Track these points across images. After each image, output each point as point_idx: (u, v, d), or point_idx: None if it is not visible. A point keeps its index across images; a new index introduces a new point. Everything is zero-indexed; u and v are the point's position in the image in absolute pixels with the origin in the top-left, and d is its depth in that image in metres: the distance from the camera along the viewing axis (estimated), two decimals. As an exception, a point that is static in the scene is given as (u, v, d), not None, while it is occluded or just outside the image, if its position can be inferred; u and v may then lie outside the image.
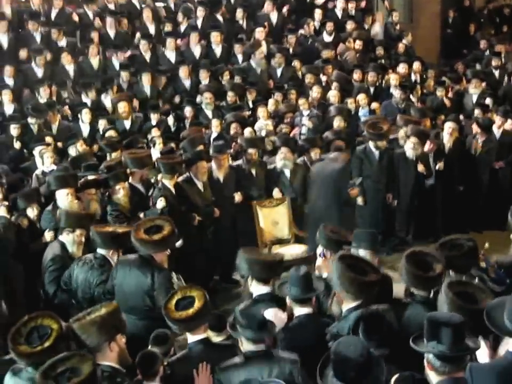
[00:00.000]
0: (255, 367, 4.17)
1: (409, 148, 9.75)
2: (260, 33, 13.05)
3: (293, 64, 12.74)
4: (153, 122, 10.59)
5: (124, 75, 11.64)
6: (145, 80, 11.59)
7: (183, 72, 11.95)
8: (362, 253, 5.37)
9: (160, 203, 7.85)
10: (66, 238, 6.51)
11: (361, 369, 3.44)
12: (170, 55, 12.44)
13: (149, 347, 4.90)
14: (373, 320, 4.20)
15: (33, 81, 11.24)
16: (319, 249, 5.68)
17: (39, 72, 11.57)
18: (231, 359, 4.31)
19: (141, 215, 7.99)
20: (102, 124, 10.31)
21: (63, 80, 11.45)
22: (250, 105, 11.37)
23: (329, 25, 13.66)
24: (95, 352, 4.19)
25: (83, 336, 4.20)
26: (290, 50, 13.24)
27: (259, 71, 12.39)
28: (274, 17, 13.89)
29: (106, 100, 11.23)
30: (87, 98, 11.10)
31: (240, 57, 12.80)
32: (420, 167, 9.76)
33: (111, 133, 9.81)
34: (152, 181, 8.56)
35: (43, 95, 10.83)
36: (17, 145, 9.74)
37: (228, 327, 4.84)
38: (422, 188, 9.99)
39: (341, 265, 4.53)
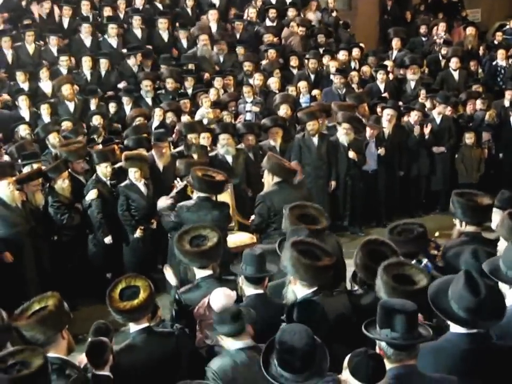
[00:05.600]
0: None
1: (342, 134, 9.82)
2: (213, 15, 12.97)
3: (237, 50, 12.64)
4: (93, 107, 10.42)
5: (63, 60, 11.30)
6: (85, 65, 11.37)
7: (133, 60, 11.70)
8: None
9: (91, 194, 7.93)
10: None
11: (307, 357, 3.37)
12: (112, 40, 12.19)
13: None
14: (305, 306, 4.15)
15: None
16: None
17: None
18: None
19: (79, 206, 8.04)
20: (44, 108, 10.11)
21: None
22: (189, 92, 11.22)
23: (272, 12, 13.63)
24: (44, 346, 4.05)
25: (30, 333, 4.04)
26: (238, 36, 13.14)
27: (207, 57, 12.25)
28: (217, 1, 13.76)
29: (45, 86, 10.92)
30: (24, 84, 10.79)
31: (184, 43, 12.66)
32: (351, 154, 9.81)
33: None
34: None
35: None
36: None
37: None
38: (359, 174, 10.03)
39: (293, 252, 4.43)
